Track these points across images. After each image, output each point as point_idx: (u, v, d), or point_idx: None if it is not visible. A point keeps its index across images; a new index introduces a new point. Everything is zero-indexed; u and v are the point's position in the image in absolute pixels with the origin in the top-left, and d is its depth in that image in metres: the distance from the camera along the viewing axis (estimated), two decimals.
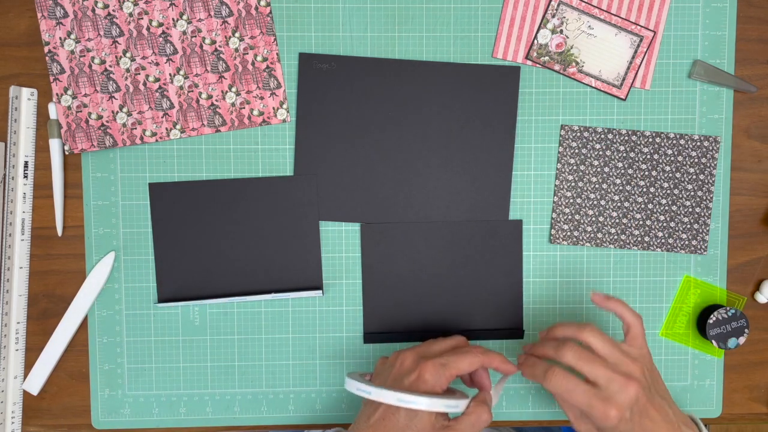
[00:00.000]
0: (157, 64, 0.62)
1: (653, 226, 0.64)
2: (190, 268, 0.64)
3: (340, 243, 0.65)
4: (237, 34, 0.62)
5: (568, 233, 0.64)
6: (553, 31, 0.63)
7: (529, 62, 0.64)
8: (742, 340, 0.63)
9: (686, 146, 0.64)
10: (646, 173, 0.64)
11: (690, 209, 0.64)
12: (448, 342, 0.57)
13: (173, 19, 0.62)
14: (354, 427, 0.55)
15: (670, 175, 0.64)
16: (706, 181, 0.64)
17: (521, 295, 0.65)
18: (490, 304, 0.65)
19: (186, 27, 0.62)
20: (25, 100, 0.63)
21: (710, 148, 0.64)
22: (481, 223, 0.64)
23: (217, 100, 0.63)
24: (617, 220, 0.64)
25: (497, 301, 0.65)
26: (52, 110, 0.63)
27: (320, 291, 0.64)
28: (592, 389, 0.52)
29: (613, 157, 0.64)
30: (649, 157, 0.64)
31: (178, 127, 0.63)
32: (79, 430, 0.66)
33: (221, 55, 0.63)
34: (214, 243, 0.64)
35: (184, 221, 0.64)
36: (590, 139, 0.64)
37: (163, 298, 0.64)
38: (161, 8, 0.62)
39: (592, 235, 0.64)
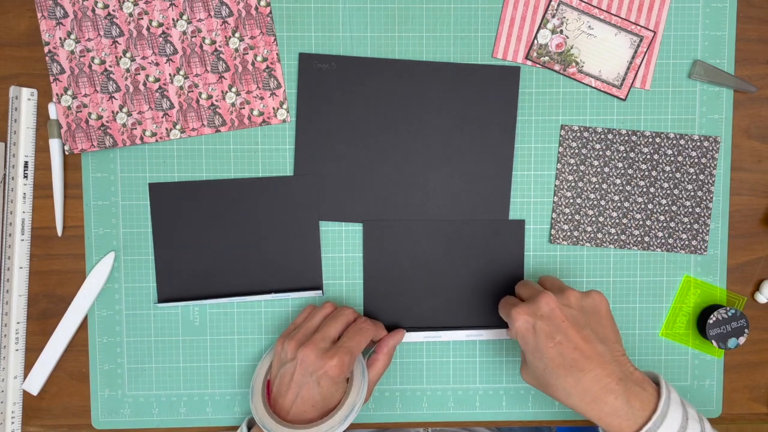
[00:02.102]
0: (157, 64, 0.62)
1: (653, 226, 0.64)
2: (190, 268, 0.64)
3: (340, 243, 0.65)
4: (237, 34, 0.62)
5: (568, 233, 0.64)
6: (553, 31, 0.63)
7: (529, 62, 0.64)
8: (742, 340, 0.63)
9: (686, 146, 0.64)
10: (646, 173, 0.64)
11: (690, 209, 0.64)
12: (337, 326, 0.58)
13: (173, 19, 0.62)
14: None
15: (670, 175, 0.64)
16: (706, 181, 0.64)
17: None
18: (492, 303, 0.65)
19: (186, 27, 0.62)
20: (25, 100, 0.63)
21: (710, 148, 0.64)
22: (484, 223, 0.64)
23: (217, 100, 0.63)
24: (617, 220, 0.64)
25: (499, 301, 0.65)
26: (52, 110, 0.63)
27: (320, 291, 0.64)
28: (516, 302, 0.56)
29: (613, 157, 0.64)
30: (649, 157, 0.64)
31: (178, 127, 0.63)
32: (79, 430, 0.66)
33: (221, 55, 0.63)
34: (214, 243, 0.64)
35: (184, 221, 0.64)
36: (590, 139, 0.64)
37: (163, 298, 0.64)
38: (161, 8, 0.62)
39: (592, 235, 0.64)
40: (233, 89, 0.63)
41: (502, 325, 0.65)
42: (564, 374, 0.51)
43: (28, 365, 0.65)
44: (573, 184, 0.64)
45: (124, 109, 0.63)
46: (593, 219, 0.64)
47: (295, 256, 0.64)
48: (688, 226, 0.64)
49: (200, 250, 0.64)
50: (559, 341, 0.51)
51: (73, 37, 0.62)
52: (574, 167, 0.64)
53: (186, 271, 0.64)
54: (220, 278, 0.64)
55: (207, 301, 0.64)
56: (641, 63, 0.63)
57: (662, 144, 0.64)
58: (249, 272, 0.64)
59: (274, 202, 0.64)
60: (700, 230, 0.64)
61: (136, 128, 0.63)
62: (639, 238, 0.64)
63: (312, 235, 0.64)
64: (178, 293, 0.64)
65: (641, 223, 0.64)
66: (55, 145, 0.63)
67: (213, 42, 0.62)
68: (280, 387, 0.56)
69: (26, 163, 0.64)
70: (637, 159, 0.64)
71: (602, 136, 0.64)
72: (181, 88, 0.63)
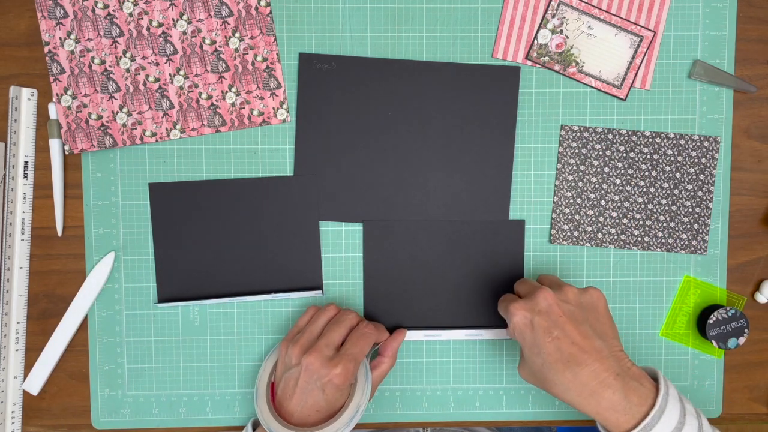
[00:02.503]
0: (157, 64, 0.62)
1: (653, 226, 0.64)
2: (190, 268, 0.64)
3: (340, 243, 0.65)
4: (237, 34, 0.62)
5: (568, 233, 0.64)
6: (553, 31, 0.63)
7: (529, 62, 0.64)
8: (742, 340, 0.63)
9: (686, 146, 0.64)
10: (646, 173, 0.64)
11: (690, 209, 0.64)
12: (341, 331, 0.58)
13: (173, 19, 0.62)
14: None
15: (670, 175, 0.64)
16: (706, 181, 0.64)
17: None
18: (492, 303, 0.65)
19: (186, 27, 0.62)
20: (25, 100, 0.63)
21: (710, 148, 0.64)
22: (484, 223, 0.64)
23: (217, 100, 0.63)
24: (617, 220, 0.64)
25: (498, 299, 0.65)
26: (52, 110, 0.63)
27: (320, 291, 0.64)
28: (514, 299, 0.56)
29: (613, 158, 0.64)
30: (649, 157, 0.64)
31: (178, 127, 0.63)
32: (79, 430, 0.66)
33: (221, 55, 0.63)
34: (214, 243, 0.64)
35: (184, 221, 0.64)
36: (590, 139, 0.64)
37: (163, 298, 0.64)
38: (161, 8, 0.62)
39: (592, 235, 0.64)
40: (233, 89, 0.63)
41: (502, 324, 0.65)
42: (562, 369, 0.51)
43: (28, 365, 0.65)
44: (573, 184, 0.64)
45: (124, 109, 0.63)
46: (593, 219, 0.64)
47: (295, 256, 0.64)
48: (688, 226, 0.64)
49: (200, 250, 0.64)
50: (557, 336, 0.52)
51: (73, 37, 0.62)
52: (574, 167, 0.64)
53: (186, 271, 0.64)
54: (220, 278, 0.64)
55: (207, 301, 0.64)
56: (641, 63, 0.63)
57: (662, 144, 0.64)
58: (249, 272, 0.64)
59: (274, 202, 0.64)
60: (700, 230, 0.64)
61: (136, 128, 0.63)
62: (639, 238, 0.64)
63: (312, 235, 0.64)
64: (178, 293, 0.64)
65: (641, 223, 0.64)
66: (55, 145, 0.63)
67: (213, 42, 0.62)
68: (285, 391, 0.56)
69: (26, 163, 0.64)
70: (637, 159, 0.64)
71: (602, 136, 0.64)
72: (181, 88, 0.63)
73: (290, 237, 0.64)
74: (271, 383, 0.60)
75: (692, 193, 0.64)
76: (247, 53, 0.63)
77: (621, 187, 0.64)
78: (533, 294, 0.54)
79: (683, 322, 0.65)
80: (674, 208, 0.64)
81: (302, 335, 0.57)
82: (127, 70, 0.62)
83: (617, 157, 0.64)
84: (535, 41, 0.63)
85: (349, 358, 0.55)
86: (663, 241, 0.64)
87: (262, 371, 0.60)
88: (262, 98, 0.63)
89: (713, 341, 0.63)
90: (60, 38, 0.62)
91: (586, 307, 0.54)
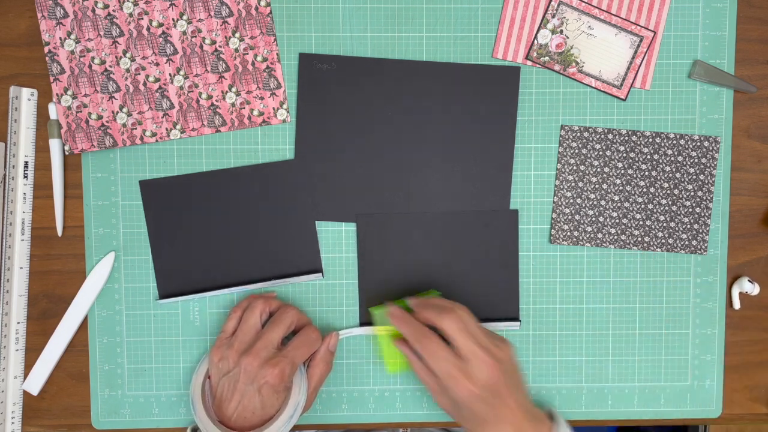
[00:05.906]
0: (157, 64, 0.62)
1: (653, 227, 0.64)
2: (188, 263, 0.64)
3: (340, 243, 0.65)
4: (237, 35, 0.62)
5: (568, 233, 0.64)
6: (553, 32, 0.63)
7: (529, 62, 0.64)
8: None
9: (686, 146, 0.64)
10: (646, 173, 0.64)
11: (690, 209, 0.64)
12: (279, 332, 0.58)
13: (173, 20, 0.62)
14: None
15: (670, 175, 0.64)
16: (706, 181, 0.64)
17: (517, 286, 0.65)
18: (486, 294, 0.65)
19: (186, 27, 0.62)
20: (25, 100, 0.63)
21: (710, 148, 0.64)
22: (477, 214, 0.64)
23: (217, 101, 0.63)
24: (617, 221, 0.64)
25: (493, 292, 0.65)
26: (52, 110, 0.63)
27: (320, 273, 0.64)
28: (456, 360, 0.54)
29: (613, 158, 0.64)
30: (649, 157, 0.64)
31: (178, 127, 0.63)
32: (79, 430, 0.66)
33: (221, 56, 0.63)
34: (209, 235, 0.64)
35: (178, 216, 0.64)
36: (590, 139, 0.64)
37: (163, 294, 0.64)
38: (161, 8, 0.62)
39: (592, 235, 0.64)
40: (233, 89, 0.63)
41: (499, 319, 0.65)
42: (482, 425, 0.55)
43: (28, 365, 0.65)
44: (573, 184, 0.64)
45: (124, 109, 0.63)
46: (593, 219, 0.64)
47: (291, 242, 0.64)
48: (688, 226, 0.64)
49: (197, 244, 0.64)
50: (491, 401, 0.54)
51: (73, 37, 0.62)
52: (574, 167, 0.64)
53: (184, 265, 0.64)
54: (219, 270, 0.64)
55: (207, 294, 0.64)
56: (641, 63, 0.63)
57: (662, 144, 0.64)
58: (246, 262, 0.64)
59: (266, 189, 0.64)
60: (700, 230, 0.64)
61: (136, 128, 0.63)
62: (639, 238, 0.64)
63: (307, 218, 0.64)
64: (178, 288, 0.64)
65: (641, 223, 0.64)
66: (55, 145, 0.63)
67: (213, 42, 0.62)
68: (224, 394, 0.57)
69: (26, 163, 0.64)
70: (637, 159, 0.64)
71: (602, 136, 0.64)
72: (181, 88, 0.63)
73: (285, 222, 0.64)
74: (210, 388, 0.60)
75: (692, 193, 0.64)
76: (247, 53, 0.63)
77: (621, 187, 0.64)
78: (484, 367, 0.54)
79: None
80: (674, 208, 0.64)
81: (236, 339, 0.57)
82: (127, 70, 0.62)
83: (617, 157, 0.64)
84: (535, 41, 0.63)
85: (288, 361, 0.56)
86: (663, 241, 0.64)
87: (195, 378, 0.60)
88: (262, 98, 0.63)
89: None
90: (60, 38, 0.62)
91: (511, 355, 0.57)
